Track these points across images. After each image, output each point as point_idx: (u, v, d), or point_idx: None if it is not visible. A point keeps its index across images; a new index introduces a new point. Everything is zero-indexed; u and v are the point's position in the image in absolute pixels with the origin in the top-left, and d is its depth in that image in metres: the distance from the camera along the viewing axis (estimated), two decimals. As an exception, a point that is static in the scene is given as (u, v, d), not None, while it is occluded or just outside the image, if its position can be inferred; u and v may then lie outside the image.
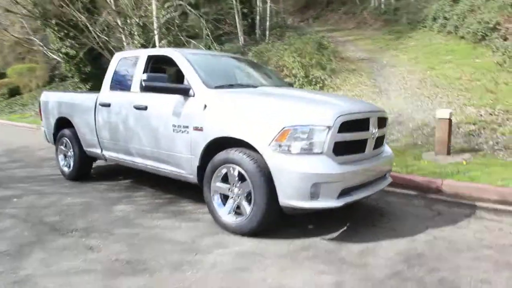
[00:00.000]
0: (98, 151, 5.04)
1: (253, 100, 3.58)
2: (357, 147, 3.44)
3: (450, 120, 5.87)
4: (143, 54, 4.50)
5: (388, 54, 14.55)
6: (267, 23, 18.51)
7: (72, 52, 14.24)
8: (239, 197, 3.44)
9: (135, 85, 4.42)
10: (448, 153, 5.92)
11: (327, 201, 3.12)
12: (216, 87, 3.84)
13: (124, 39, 12.84)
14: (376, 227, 3.68)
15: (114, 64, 4.85)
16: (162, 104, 4.04)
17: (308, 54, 13.65)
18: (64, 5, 11.64)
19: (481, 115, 7.90)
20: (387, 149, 4.08)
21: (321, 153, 3.13)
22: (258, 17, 18.84)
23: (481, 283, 2.61)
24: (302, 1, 29.19)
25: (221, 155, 3.47)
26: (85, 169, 5.51)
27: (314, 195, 3.08)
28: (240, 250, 3.15)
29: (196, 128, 3.64)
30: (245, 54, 15.47)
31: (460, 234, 3.50)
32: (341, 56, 14.99)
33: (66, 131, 5.49)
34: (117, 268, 2.83)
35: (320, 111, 3.24)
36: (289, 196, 3.10)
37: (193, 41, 14.35)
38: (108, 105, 4.67)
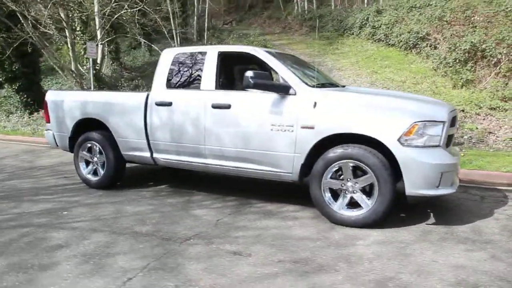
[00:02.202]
0: (145, 154, 4.65)
1: (371, 99, 3.76)
2: (449, 141, 3.85)
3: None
4: (212, 51, 4.30)
5: (329, 59, 15.63)
6: (205, 24, 18.36)
7: (-4, 48, 12.33)
8: (354, 191, 3.59)
9: (207, 83, 4.21)
10: (442, 146, 6.75)
11: (446, 188, 3.47)
12: (315, 86, 3.91)
13: (67, 34, 11.69)
14: (451, 211, 4.14)
15: (168, 61, 4.53)
16: (252, 102, 3.96)
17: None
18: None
19: (440, 113, 9.09)
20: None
21: (438, 145, 3.46)
22: (195, 18, 18.55)
23: None
24: (225, 4, 29.44)
25: (336, 152, 3.57)
26: (119, 176, 5.00)
27: (438, 184, 3.40)
28: (377, 240, 3.30)
29: (304, 126, 3.67)
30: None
31: (521, 210, 4.15)
32: (287, 59, 15.61)
33: (95, 135, 4.91)
34: (295, 269, 2.77)
35: (436, 108, 3.58)
36: (418, 186, 3.37)
37: (147, 39, 13.62)
38: (169, 104, 4.36)
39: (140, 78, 14.72)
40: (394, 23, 15.51)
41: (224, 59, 4.30)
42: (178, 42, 18.01)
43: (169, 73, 4.49)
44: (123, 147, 4.76)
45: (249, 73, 3.66)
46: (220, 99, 4.10)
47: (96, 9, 12.40)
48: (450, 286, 2.53)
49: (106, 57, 14.09)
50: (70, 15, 12.01)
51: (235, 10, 29.38)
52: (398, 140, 3.36)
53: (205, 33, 18.15)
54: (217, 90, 4.18)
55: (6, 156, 7.58)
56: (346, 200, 3.63)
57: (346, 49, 16.74)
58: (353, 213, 3.59)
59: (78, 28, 12.25)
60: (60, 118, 5.19)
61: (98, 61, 13.24)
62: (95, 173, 5.05)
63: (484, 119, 8.48)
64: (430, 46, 13.01)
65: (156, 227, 3.61)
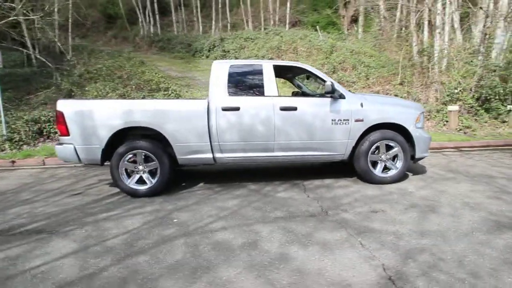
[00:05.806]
0: (206, 155, 4.08)
1: (388, 100, 4.54)
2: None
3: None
4: (267, 65, 4.22)
5: (197, 74, 15.57)
6: (69, 39, 15.14)
7: None
8: (387, 160, 4.37)
9: (271, 90, 4.12)
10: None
11: (429, 152, 4.66)
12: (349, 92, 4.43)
13: None
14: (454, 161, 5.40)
15: (224, 71, 4.11)
16: (314, 104, 4.18)
17: (149, 71, 12.88)
18: None
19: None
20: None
21: (422, 127, 4.62)
22: (56, 31, 14.99)
23: None
24: (66, 18, 24.40)
25: (376, 135, 4.25)
26: (170, 181, 4.15)
27: (428, 149, 4.55)
28: (416, 188, 4.13)
29: (357, 120, 4.18)
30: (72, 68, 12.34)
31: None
32: (165, 74, 14.77)
33: (143, 143, 3.92)
34: (421, 210, 3.33)
35: (418, 104, 4.71)
36: (422, 151, 4.42)
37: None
38: (237, 109, 4.00)
39: (12, 90, 11.03)
40: (240, 49, 16.83)
41: (277, 71, 4.29)
42: (38, 51, 14.24)
43: (228, 82, 4.10)
44: (180, 152, 4.02)
45: (329, 83, 3.92)
46: (286, 103, 4.11)
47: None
48: (495, 199, 3.62)
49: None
50: None
51: (75, 26, 24.76)
52: (413, 125, 4.33)
53: (70, 47, 14.89)
54: (280, 96, 4.16)
55: None
56: (381, 167, 4.37)
57: (206, 67, 16.97)
58: (388, 175, 4.36)
59: None
60: (89, 129, 3.87)
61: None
62: (139, 182, 4.04)
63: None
64: (274, 67, 14.85)
65: (283, 212, 3.42)
